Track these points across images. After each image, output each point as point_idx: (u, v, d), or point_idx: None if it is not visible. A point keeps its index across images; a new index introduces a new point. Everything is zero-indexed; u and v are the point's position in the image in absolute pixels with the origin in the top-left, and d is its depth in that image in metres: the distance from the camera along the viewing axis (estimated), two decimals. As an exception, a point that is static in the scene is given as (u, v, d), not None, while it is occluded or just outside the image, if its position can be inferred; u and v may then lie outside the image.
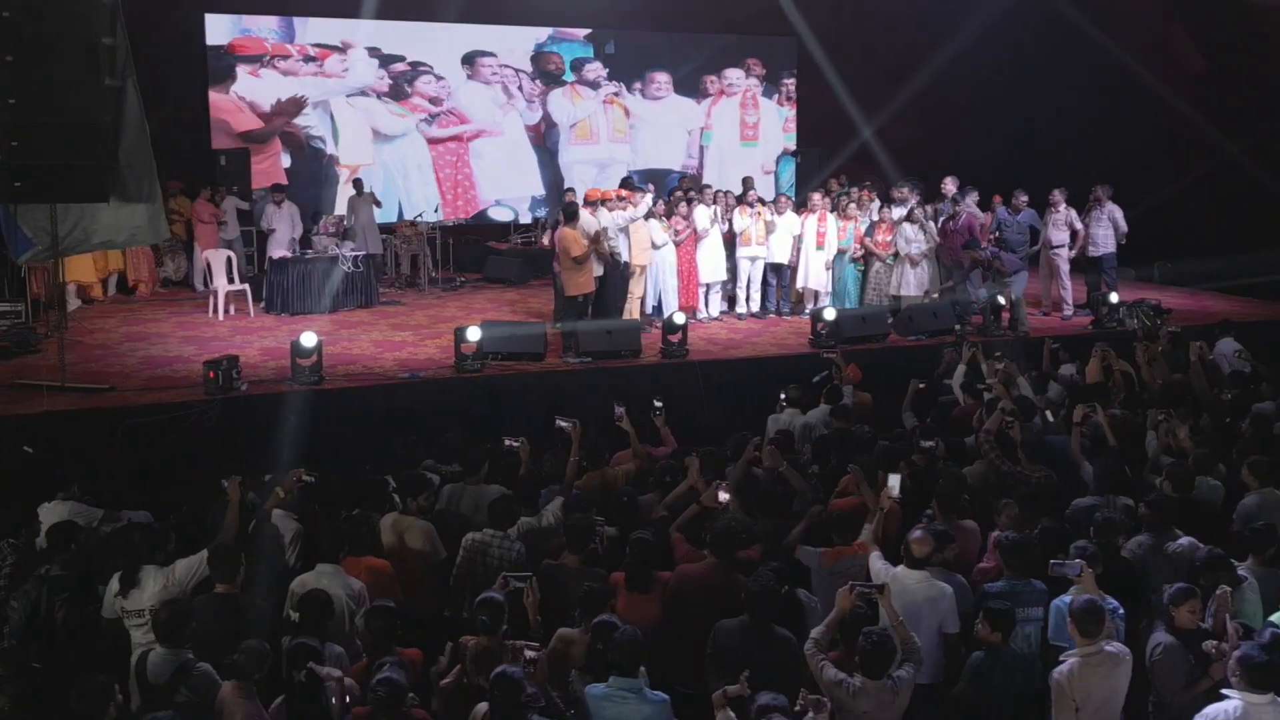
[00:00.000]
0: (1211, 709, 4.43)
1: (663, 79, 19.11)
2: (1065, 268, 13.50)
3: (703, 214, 12.69)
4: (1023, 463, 7.17)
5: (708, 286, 13.00)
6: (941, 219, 12.85)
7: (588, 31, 18.59)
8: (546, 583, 5.61)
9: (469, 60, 17.95)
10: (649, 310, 12.32)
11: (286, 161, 16.85)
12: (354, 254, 13.48)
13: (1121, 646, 4.90)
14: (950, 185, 13.29)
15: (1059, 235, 13.40)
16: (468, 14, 17.23)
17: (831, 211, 13.12)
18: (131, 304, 13.77)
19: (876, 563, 5.65)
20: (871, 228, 13.02)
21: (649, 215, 12.11)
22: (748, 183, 14.60)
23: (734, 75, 19.65)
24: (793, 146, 19.97)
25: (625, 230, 11.70)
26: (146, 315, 12.96)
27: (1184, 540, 6.08)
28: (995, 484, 7.12)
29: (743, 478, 6.69)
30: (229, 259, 13.17)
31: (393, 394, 9.62)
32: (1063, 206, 13.41)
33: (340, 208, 16.21)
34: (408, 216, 16.29)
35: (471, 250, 16.71)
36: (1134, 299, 13.12)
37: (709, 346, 11.60)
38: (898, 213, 13.05)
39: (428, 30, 17.50)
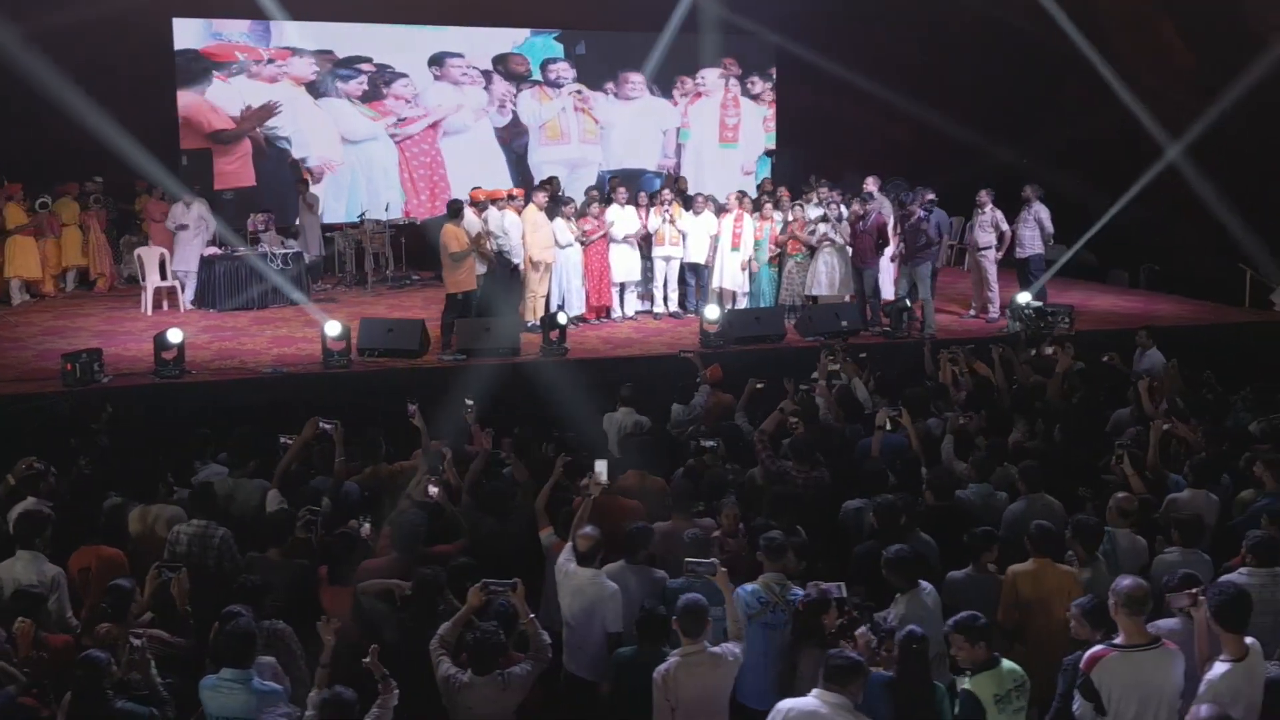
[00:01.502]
0: None
1: (636, 79, 19.12)
2: (992, 269, 13.21)
3: (617, 214, 12.71)
4: (793, 463, 7.07)
5: (623, 286, 13.01)
6: (852, 219, 12.66)
7: (559, 32, 18.68)
8: (249, 572, 5.72)
9: (437, 61, 18.17)
10: (553, 309, 12.37)
11: (256, 163, 17.23)
12: (283, 252, 13.76)
13: (728, 648, 4.84)
14: (871, 184, 13.09)
15: (985, 236, 13.13)
16: (440, 16, 17.58)
17: (752, 212, 13.03)
18: (81, 299, 14.28)
19: (561, 557, 5.64)
20: (786, 228, 12.89)
21: (555, 215, 12.20)
22: (608, 183, 14.44)
23: (710, 75, 19.57)
24: (773, 146, 19.83)
25: (529, 229, 11.81)
26: (82, 310, 13.43)
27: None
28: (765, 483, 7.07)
29: (474, 479, 6.70)
30: (162, 255, 13.55)
31: (253, 388, 9.81)
32: (989, 207, 13.14)
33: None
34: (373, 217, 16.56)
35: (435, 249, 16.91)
36: (1058, 302, 12.82)
37: (601, 346, 11.63)
38: (814, 213, 12.90)
39: (399, 33, 17.77)
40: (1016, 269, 13.43)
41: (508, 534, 6.27)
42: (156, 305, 13.37)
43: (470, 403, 8.07)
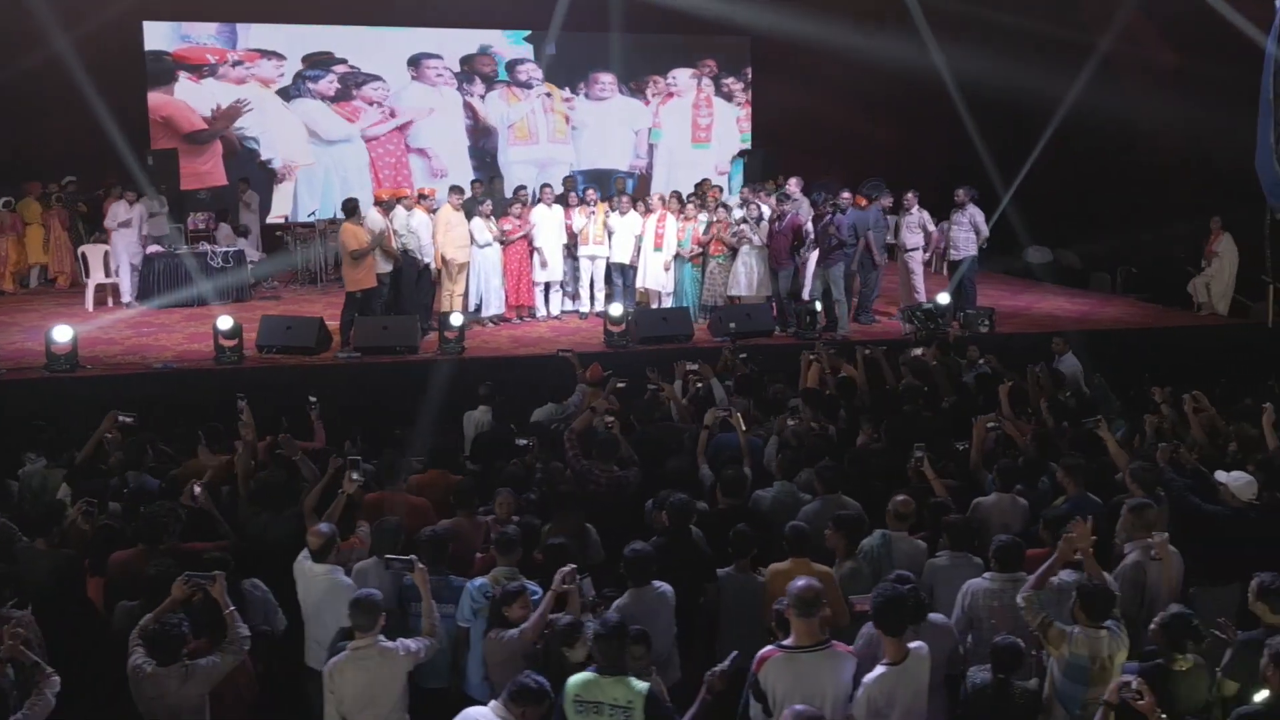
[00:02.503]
0: None
1: (607, 79, 19.17)
2: (919, 271, 13.06)
3: (543, 215, 12.77)
4: (597, 462, 7.07)
5: (547, 285, 13.07)
6: (768, 220, 12.59)
7: (528, 33, 18.78)
8: (13, 561, 5.88)
9: (414, 63, 18.38)
10: (470, 308, 12.48)
11: (227, 163, 17.57)
12: (224, 250, 14.03)
13: (404, 643, 4.88)
14: (793, 187, 13.00)
15: (912, 238, 13.02)
16: (411, 18, 17.79)
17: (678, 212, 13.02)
18: (33, 296, 14.69)
19: (301, 554, 5.71)
20: (709, 228, 12.85)
21: (472, 215, 12.30)
22: (568, 183, 14.40)
23: (682, 75, 19.56)
24: (747, 146, 19.75)
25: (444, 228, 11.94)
26: (28, 306, 13.81)
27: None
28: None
29: (247, 474, 6.80)
30: (105, 253, 13.88)
31: (140, 384, 10.01)
32: (915, 209, 13.00)
33: (280, 208, 17.05)
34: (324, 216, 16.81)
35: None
36: (982, 306, 12.65)
37: (506, 345, 11.70)
38: (736, 214, 12.85)
39: (371, 35, 18.01)
40: (949, 271, 13.28)
41: (280, 530, 6.33)
42: (101, 302, 13.70)
43: (314, 400, 8.19)
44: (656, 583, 5.53)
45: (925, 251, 13.06)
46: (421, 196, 11.96)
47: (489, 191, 13.53)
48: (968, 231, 12.89)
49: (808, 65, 18.36)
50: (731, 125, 19.90)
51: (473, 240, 12.19)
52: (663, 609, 5.50)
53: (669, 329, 11.75)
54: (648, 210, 13.02)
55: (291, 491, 6.48)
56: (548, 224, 12.77)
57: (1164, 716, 4.22)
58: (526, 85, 18.81)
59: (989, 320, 12.27)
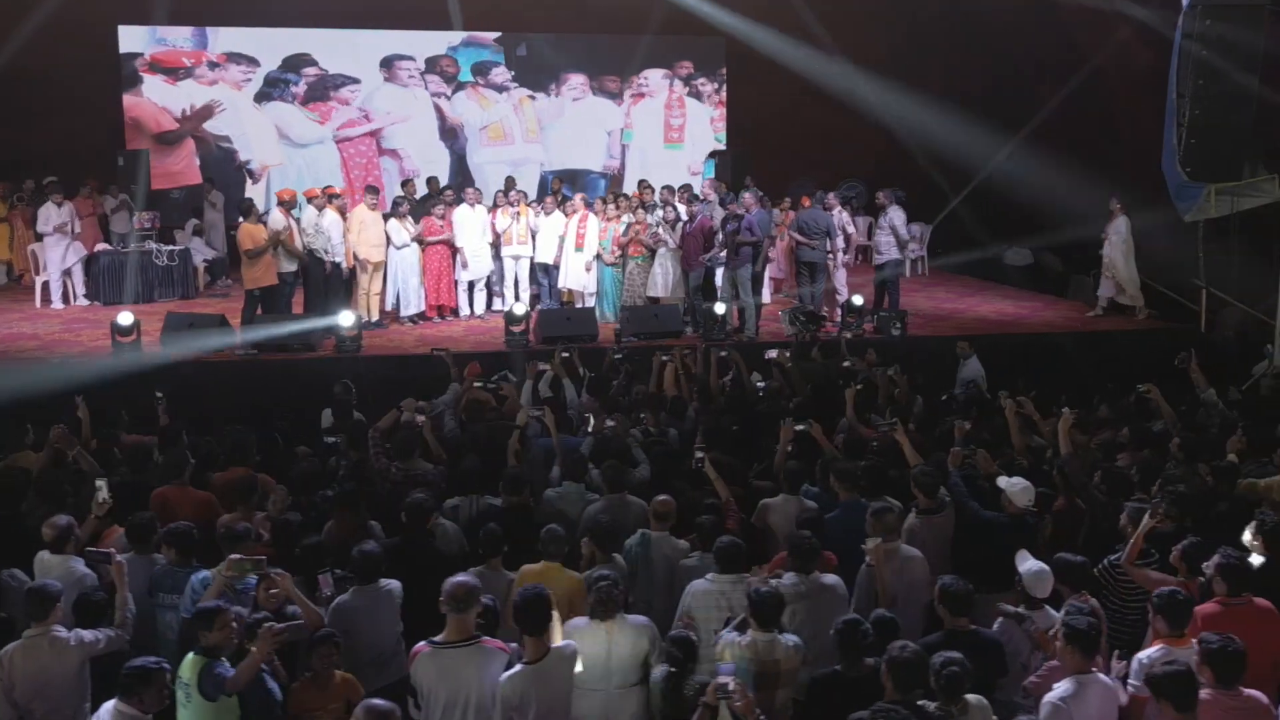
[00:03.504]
0: None
1: (579, 80, 19.27)
2: (839, 273, 12.96)
3: (466, 216, 12.91)
4: (396, 459, 7.18)
5: (471, 285, 13.21)
6: (681, 223, 12.59)
7: (497, 35, 18.93)
8: None
9: (387, 64, 18.65)
10: (388, 307, 12.67)
11: (198, 161, 17.99)
12: (169, 249, 14.39)
13: (79, 633, 5.01)
14: (707, 188, 12.99)
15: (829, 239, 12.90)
16: (381, 20, 18.04)
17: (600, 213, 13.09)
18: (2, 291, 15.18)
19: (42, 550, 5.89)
20: (628, 230, 12.89)
21: (390, 215, 12.51)
22: (510, 183, 14.48)
23: (654, 76, 19.58)
24: (721, 146, 19.72)
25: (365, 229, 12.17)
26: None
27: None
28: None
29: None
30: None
31: (30, 376, 10.29)
32: (836, 210, 12.91)
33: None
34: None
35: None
36: (903, 309, 12.52)
37: (410, 344, 11.86)
38: (655, 216, 12.87)
39: (341, 37, 18.30)
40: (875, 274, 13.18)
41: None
42: (63, 299, 14.13)
43: (160, 395, 8.42)
44: (385, 581, 5.62)
45: (845, 253, 12.94)
46: (332, 197, 12.15)
47: (439, 191, 13.69)
48: (888, 235, 12.77)
49: (784, 64, 18.29)
50: (705, 125, 19.88)
51: (389, 241, 12.39)
52: (387, 606, 5.59)
53: (573, 328, 11.82)
54: (571, 211, 13.10)
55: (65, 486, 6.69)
56: (470, 224, 12.90)
57: (762, 717, 4.21)
58: (500, 88, 18.95)
59: (901, 323, 12.14)
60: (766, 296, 13.42)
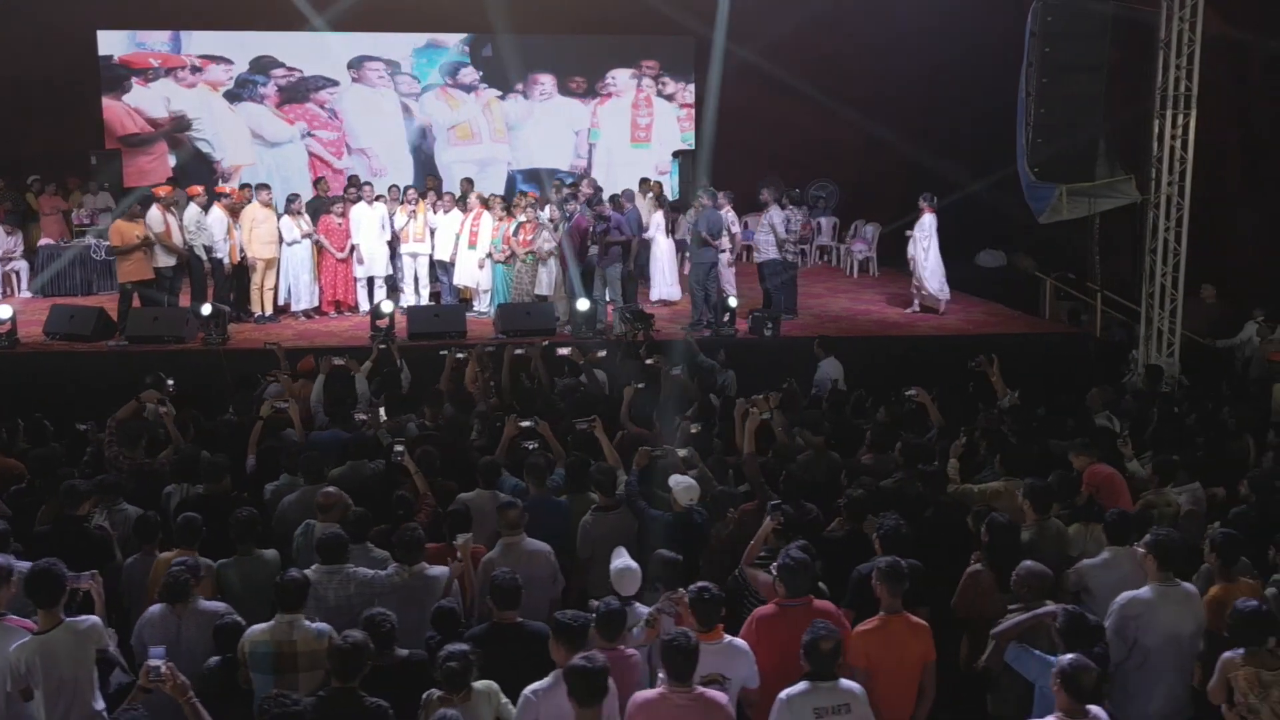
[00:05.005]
0: None
1: (546, 80, 19.49)
2: (726, 271, 12.93)
3: (364, 213, 13.24)
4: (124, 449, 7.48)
5: (370, 280, 13.52)
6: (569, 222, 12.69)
7: (462, 37, 19.25)
8: None
9: (355, 65, 19.13)
10: (280, 303, 13.07)
11: (173, 161, 18.71)
12: (106, 244, 15.04)
13: None
14: (586, 188, 13.06)
15: (723, 238, 12.85)
16: (350, 23, 18.49)
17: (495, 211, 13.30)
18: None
19: None
20: (518, 228, 13.05)
21: (283, 214, 12.90)
22: (430, 182, 14.70)
23: (622, 76, 19.68)
24: (689, 146, 19.74)
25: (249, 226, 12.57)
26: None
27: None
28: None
29: None
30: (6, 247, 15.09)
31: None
32: (726, 210, 12.87)
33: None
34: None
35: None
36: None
37: (286, 337, 12.18)
38: (545, 214, 13.01)
39: (313, 39, 18.79)
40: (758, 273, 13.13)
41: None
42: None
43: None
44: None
45: (730, 252, 12.90)
46: (219, 195, 12.58)
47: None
48: (767, 234, 12.69)
49: (754, 64, 18.26)
50: (672, 125, 19.88)
51: (281, 238, 12.78)
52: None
53: (441, 325, 12.04)
54: (466, 209, 13.33)
55: None
56: (367, 221, 13.22)
57: (193, 698, 4.36)
58: (468, 88, 19.27)
59: (774, 324, 12.06)
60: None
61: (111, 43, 18.49)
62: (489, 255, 13.13)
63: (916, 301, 13.57)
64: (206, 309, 11.51)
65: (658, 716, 4.46)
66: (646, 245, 13.34)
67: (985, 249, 19.55)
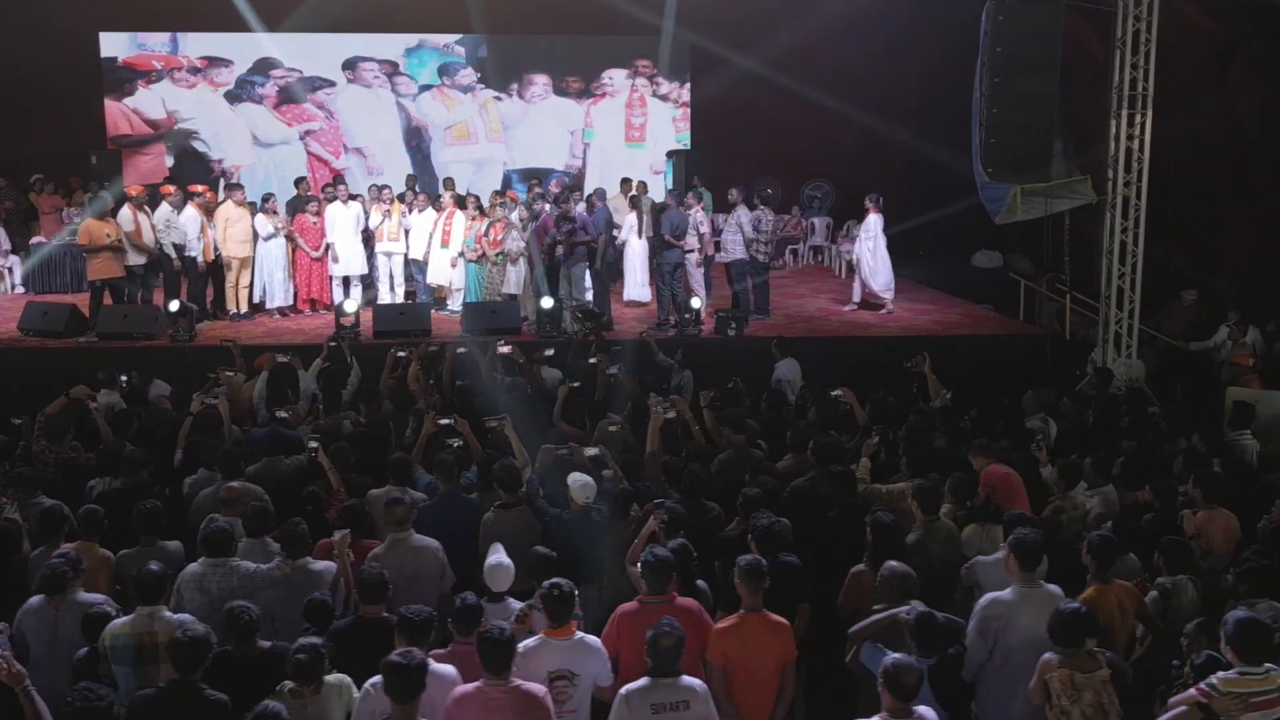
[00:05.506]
0: None
1: (541, 80, 19.59)
2: (694, 271, 12.95)
3: (339, 212, 13.40)
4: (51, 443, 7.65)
5: (346, 279, 13.67)
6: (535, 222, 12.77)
7: (454, 38, 19.39)
8: None
9: (350, 65, 19.34)
10: (256, 300, 13.26)
11: (170, 161, 19.01)
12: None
13: None
14: (554, 188, 13.13)
15: (690, 239, 12.87)
16: (346, 24, 18.71)
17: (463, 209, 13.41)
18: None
19: None
20: (489, 228, 13.14)
21: (258, 212, 13.08)
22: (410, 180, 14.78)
23: (616, 76, 19.74)
24: (684, 146, 19.76)
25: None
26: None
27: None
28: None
29: None
30: (-5, 245, 15.43)
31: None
32: (694, 209, 12.89)
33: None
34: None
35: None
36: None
37: (257, 335, 12.37)
38: (513, 216, 13.10)
39: (309, 40, 19.03)
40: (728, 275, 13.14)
41: None
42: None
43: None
44: None
45: (698, 252, 12.92)
46: (193, 194, 12.80)
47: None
48: (734, 234, 12.69)
49: (751, 64, 18.29)
50: (667, 125, 19.91)
51: (256, 235, 12.97)
52: None
53: (405, 323, 12.16)
54: (440, 208, 13.45)
55: None
56: (342, 220, 13.38)
57: (29, 685, 4.45)
58: (464, 89, 19.41)
59: (737, 324, 12.07)
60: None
61: (113, 44, 18.81)
62: (461, 254, 13.23)
63: (858, 298, 13.68)
64: (175, 306, 11.71)
65: (473, 710, 4.52)
66: (620, 245, 13.34)
67: (982, 250, 19.44)
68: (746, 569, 5.18)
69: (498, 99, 19.46)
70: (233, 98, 19.05)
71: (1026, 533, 5.32)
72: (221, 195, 13.42)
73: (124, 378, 9.66)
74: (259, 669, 5.02)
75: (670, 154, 19.46)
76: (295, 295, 13.46)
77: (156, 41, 18.92)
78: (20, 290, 15.26)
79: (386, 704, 4.60)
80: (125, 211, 12.11)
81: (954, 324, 13.19)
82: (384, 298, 13.70)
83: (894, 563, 5.40)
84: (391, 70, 19.31)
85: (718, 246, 13.31)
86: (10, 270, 15.44)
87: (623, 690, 4.68)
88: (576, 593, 5.04)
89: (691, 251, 12.84)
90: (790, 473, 7.35)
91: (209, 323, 12.80)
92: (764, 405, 9.04)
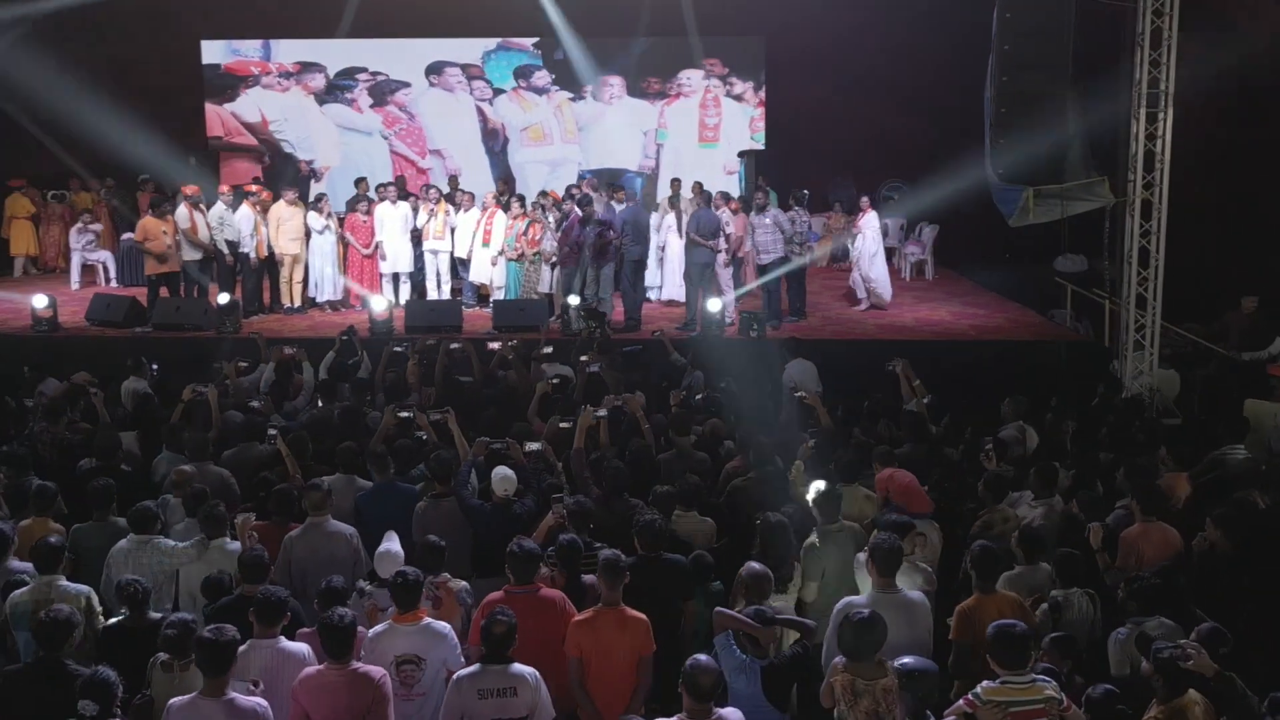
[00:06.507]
0: None
1: (616, 81, 19.85)
2: (722, 272, 12.99)
3: (387, 212, 13.93)
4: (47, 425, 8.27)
5: (395, 276, 14.18)
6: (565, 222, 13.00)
7: (535, 40, 19.80)
8: None
9: (435, 70, 19.98)
10: (308, 295, 13.90)
11: (265, 162, 19.98)
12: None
13: None
14: (587, 187, 13.32)
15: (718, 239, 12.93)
16: (426, 28, 19.40)
17: (505, 210, 13.76)
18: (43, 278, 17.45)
19: None
20: (528, 227, 13.45)
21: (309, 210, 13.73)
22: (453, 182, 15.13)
23: (690, 76, 19.85)
24: (759, 146, 19.76)
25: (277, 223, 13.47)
26: (39, 280, 16.60)
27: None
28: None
29: None
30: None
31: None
32: (723, 209, 12.93)
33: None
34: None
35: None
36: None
37: (301, 328, 12.97)
38: (550, 215, 13.37)
39: (394, 45, 19.78)
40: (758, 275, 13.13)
41: None
42: (90, 281, 16.32)
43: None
44: None
45: (726, 252, 12.95)
46: (247, 194, 13.48)
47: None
48: (772, 234, 12.65)
49: (828, 61, 18.23)
50: (741, 125, 19.87)
51: (309, 232, 13.60)
52: None
53: (436, 319, 12.56)
54: (483, 208, 13.84)
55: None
56: (390, 219, 13.89)
57: None
58: (540, 90, 19.83)
59: (759, 325, 12.07)
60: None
61: (212, 51, 19.87)
62: (501, 253, 13.57)
63: (862, 293, 13.75)
64: (224, 300, 12.39)
65: (312, 690, 4.76)
66: (645, 242, 13.41)
67: (1065, 253, 18.81)
68: (605, 564, 5.30)
69: (572, 100, 19.77)
70: (322, 101, 19.89)
71: (885, 538, 5.29)
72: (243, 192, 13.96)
73: (153, 366, 10.33)
74: (150, 638, 5.39)
75: (742, 154, 19.50)
76: (345, 290, 13.99)
77: (250, 48, 19.89)
78: (114, 284, 16.27)
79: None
80: (182, 210, 12.85)
81: (992, 328, 12.90)
82: (431, 295, 14.15)
83: (753, 563, 5.43)
84: (472, 74, 19.82)
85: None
86: (106, 265, 16.47)
87: (456, 675, 4.86)
88: (424, 580, 5.24)
89: (720, 252, 12.87)
90: (734, 473, 7.41)
91: (260, 316, 13.45)
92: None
